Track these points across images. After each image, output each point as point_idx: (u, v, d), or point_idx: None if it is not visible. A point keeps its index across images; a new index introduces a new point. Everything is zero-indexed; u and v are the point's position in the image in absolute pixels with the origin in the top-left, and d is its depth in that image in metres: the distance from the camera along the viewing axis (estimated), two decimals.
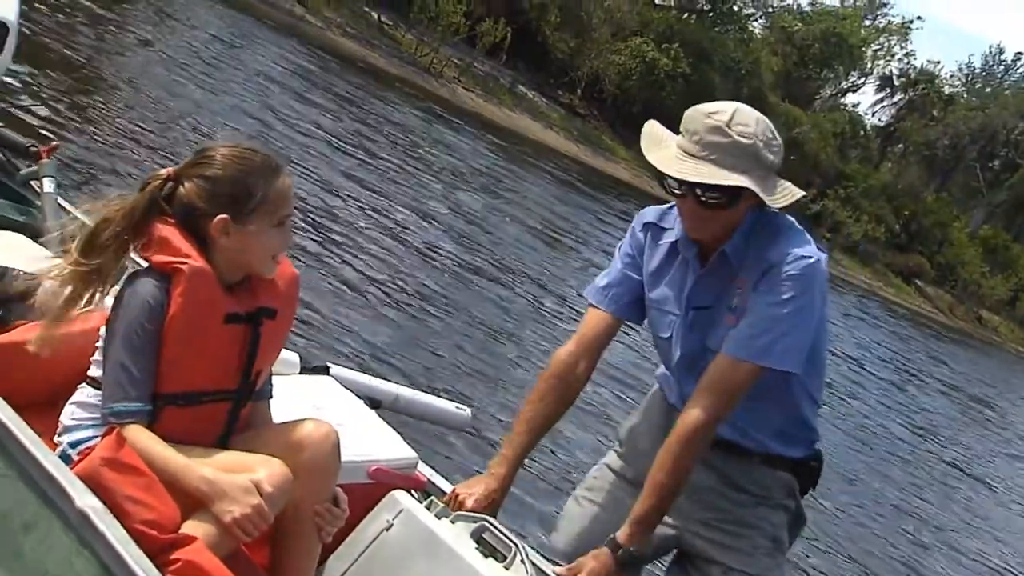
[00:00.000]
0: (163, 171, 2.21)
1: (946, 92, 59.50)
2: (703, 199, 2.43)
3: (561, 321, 10.90)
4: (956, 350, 35.97)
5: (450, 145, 20.51)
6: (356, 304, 7.92)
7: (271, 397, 2.35)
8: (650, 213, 2.71)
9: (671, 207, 2.62)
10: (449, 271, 10.59)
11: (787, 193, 2.45)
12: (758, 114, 2.47)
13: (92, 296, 2.16)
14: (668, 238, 2.63)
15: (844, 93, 57.65)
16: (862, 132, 56.12)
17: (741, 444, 2.63)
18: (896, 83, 57.94)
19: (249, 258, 2.21)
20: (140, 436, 2.08)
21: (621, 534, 2.50)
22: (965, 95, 61.45)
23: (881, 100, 58.78)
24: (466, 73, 31.41)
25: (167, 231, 2.15)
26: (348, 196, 11.56)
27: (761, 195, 2.39)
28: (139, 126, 10.15)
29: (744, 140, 2.40)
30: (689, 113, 2.48)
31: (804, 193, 2.51)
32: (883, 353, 22.94)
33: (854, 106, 66.36)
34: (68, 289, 2.14)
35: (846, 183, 46.90)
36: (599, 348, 2.71)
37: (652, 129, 2.56)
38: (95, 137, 9.07)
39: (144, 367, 2.09)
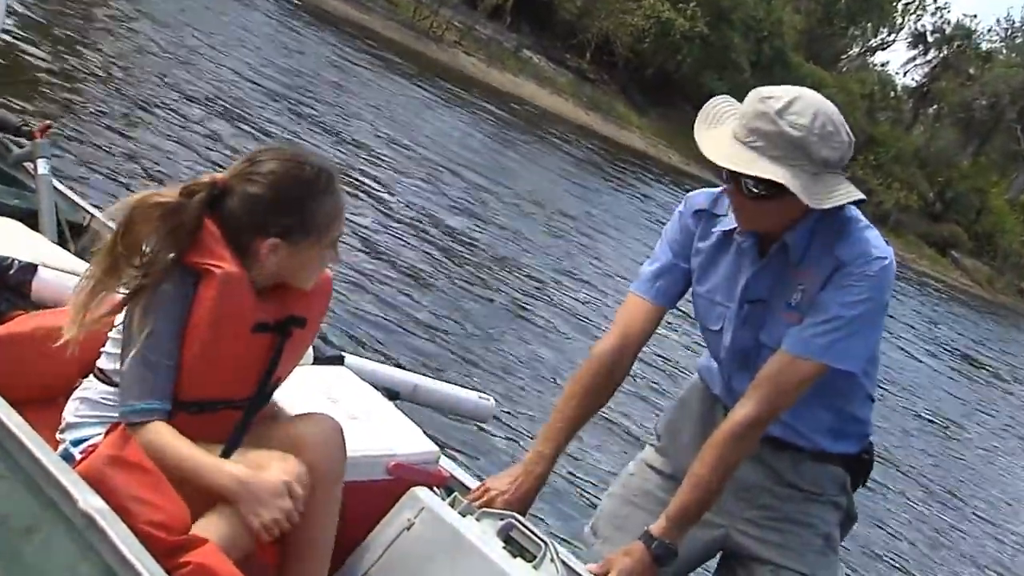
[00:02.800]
0: (207, 177, 2.17)
1: (984, 49, 59.12)
2: (745, 190, 2.40)
3: (583, 304, 10.91)
4: (996, 326, 35.90)
5: (452, 114, 20.45)
6: (369, 291, 7.92)
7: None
8: (701, 198, 2.67)
9: (722, 191, 2.58)
10: (463, 253, 10.60)
11: (838, 194, 2.37)
12: (823, 105, 2.39)
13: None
14: (722, 226, 2.59)
15: (873, 51, 57.49)
16: (892, 93, 55.89)
17: (790, 441, 2.63)
18: (929, 40, 57.60)
19: (291, 275, 2.21)
20: (163, 432, 2.08)
21: (656, 527, 2.50)
22: (1004, 51, 60.95)
23: (913, 58, 58.45)
24: (467, 36, 31.29)
25: (206, 235, 2.13)
26: (346, 176, 11.54)
27: (799, 194, 2.32)
28: (134, 99, 10.16)
29: (793, 131, 2.34)
30: (750, 93, 2.45)
31: (861, 196, 2.40)
32: (918, 330, 22.90)
33: (883, 65, 66.15)
34: (85, 295, 2.10)
35: (876, 148, 46.68)
36: (642, 342, 2.69)
37: (710, 105, 2.51)
38: (90, 113, 9.06)
39: (168, 365, 2.09)
